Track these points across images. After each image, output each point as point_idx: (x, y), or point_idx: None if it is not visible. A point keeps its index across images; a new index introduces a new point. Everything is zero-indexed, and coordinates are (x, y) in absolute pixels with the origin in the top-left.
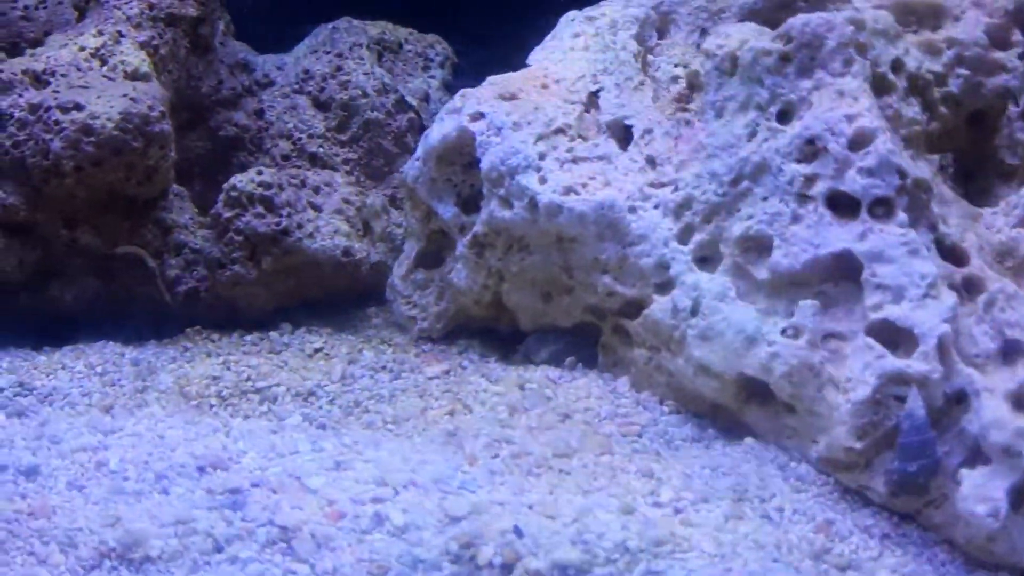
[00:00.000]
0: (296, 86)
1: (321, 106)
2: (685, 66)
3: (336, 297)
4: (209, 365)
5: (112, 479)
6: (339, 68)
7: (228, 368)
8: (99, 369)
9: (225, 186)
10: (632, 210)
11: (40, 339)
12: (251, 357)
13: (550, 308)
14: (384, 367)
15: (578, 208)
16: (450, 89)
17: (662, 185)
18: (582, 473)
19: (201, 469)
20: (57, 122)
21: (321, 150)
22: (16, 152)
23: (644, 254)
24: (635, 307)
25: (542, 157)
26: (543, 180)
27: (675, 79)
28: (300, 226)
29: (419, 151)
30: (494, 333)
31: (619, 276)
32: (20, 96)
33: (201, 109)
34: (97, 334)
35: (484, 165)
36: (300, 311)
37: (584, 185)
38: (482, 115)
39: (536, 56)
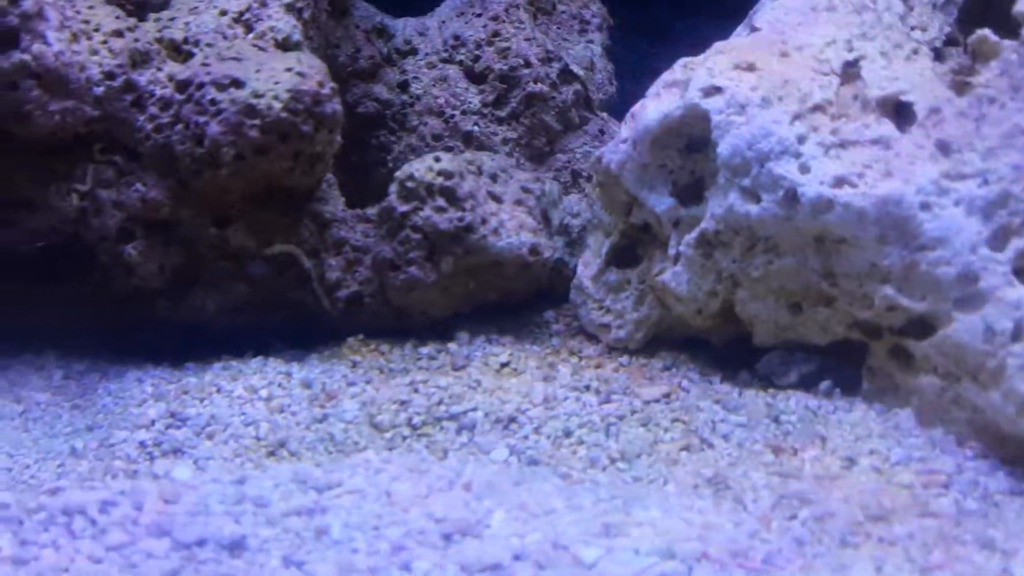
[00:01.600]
0: (445, 54)
1: (476, 78)
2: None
3: (510, 299)
4: (394, 387)
5: (338, 551)
6: (496, 33)
7: (416, 390)
8: (263, 393)
9: (399, 175)
10: (925, 207)
11: (178, 355)
12: (438, 376)
13: (799, 321)
14: (588, 387)
15: (856, 204)
16: (612, 56)
17: (963, 177)
18: (909, 544)
19: (447, 536)
20: (213, 102)
21: (477, 128)
22: (159, 137)
23: (942, 261)
24: (925, 325)
25: (801, 141)
26: (805, 169)
27: (947, 44)
28: (484, 221)
29: (627, 132)
30: (702, 346)
31: (904, 287)
32: (159, 70)
33: (338, 82)
34: (239, 348)
35: (724, 150)
36: (471, 317)
37: (860, 175)
38: (719, 89)
39: (764, 17)
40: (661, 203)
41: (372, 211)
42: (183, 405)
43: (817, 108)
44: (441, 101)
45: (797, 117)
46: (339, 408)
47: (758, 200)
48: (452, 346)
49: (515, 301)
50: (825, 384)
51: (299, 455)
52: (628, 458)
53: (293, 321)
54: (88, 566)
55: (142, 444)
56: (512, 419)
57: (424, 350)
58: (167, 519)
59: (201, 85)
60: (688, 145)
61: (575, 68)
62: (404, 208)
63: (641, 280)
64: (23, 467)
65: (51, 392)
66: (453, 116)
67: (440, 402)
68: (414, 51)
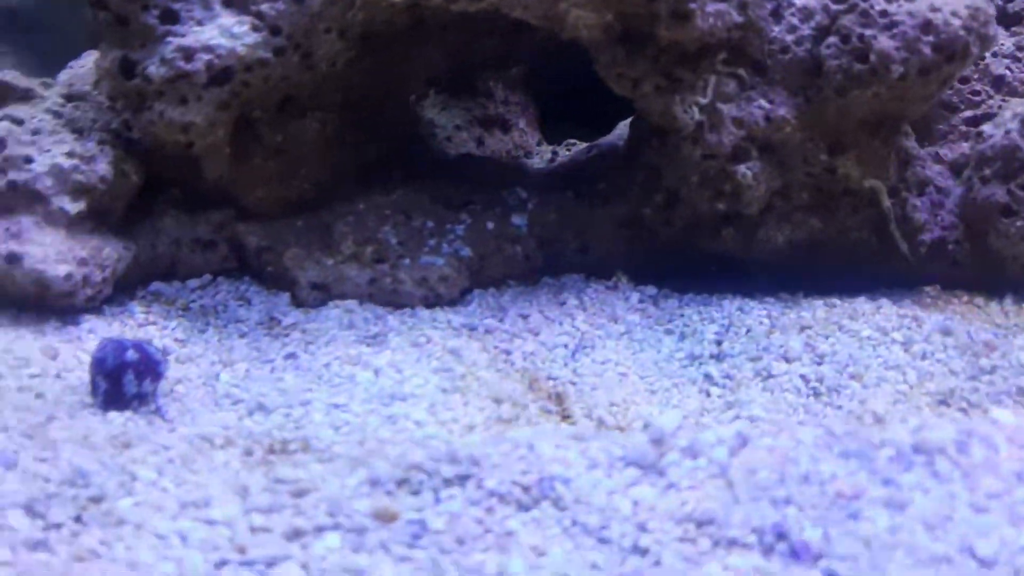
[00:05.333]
0: None
1: (1009, 19)
2: None
3: None
4: None
5: None
6: None
7: None
8: (896, 336)
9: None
10: None
11: (735, 287)
12: None
13: None
14: None
15: None
16: None
17: None
18: None
19: None
20: (885, 13)
21: (1008, 73)
22: (799, 50)
23: None
24: None
25: None
26: None
27: None
28: None
29: None
30: None
31: None
32: None
33: None
34: (796, 285)
35: None
36: None
37: None
38: None
39: None
40: None
41: (944, 150)
42: (811, 340)
43: None
44: None
45: None
46: (1009, 360)
47: None
48: None
49: None
50: None
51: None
52: None
53: (846, 264)
54: (969, 515)
55: (804, 379)
56: None
57: None
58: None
59: None
60: None
61: None
62: None
63: None
64: (664, 390)
65: (638, 314)
66: (983, 58)
67: None
68: None
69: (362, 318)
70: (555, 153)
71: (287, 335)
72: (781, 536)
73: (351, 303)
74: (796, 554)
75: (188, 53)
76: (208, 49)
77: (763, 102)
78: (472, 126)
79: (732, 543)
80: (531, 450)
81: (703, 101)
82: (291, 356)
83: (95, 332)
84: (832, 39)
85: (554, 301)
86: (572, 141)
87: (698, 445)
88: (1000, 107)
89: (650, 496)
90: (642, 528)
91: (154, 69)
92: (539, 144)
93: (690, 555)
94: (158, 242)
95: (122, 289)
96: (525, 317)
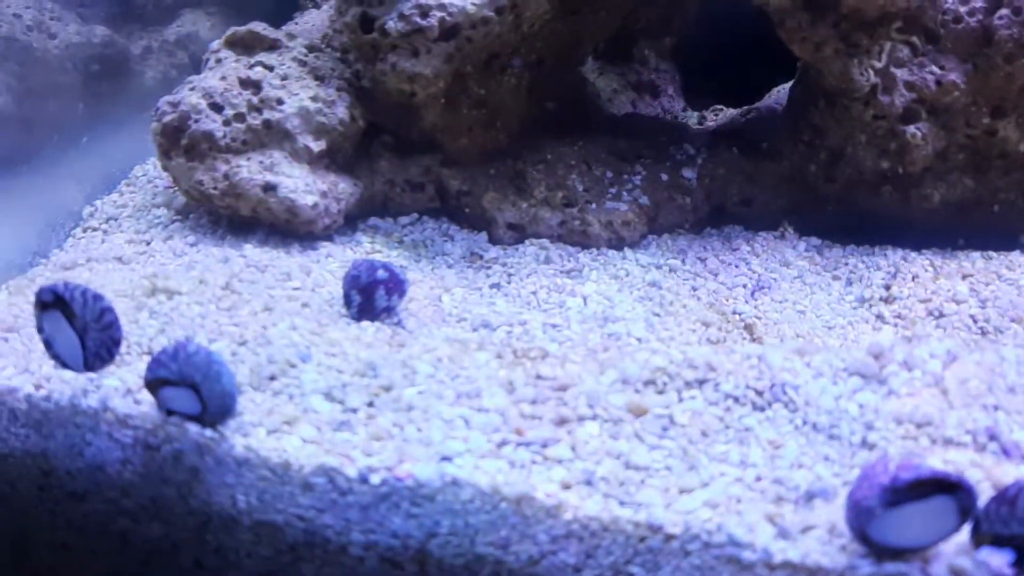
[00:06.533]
0: None
1: None
2: None
3: None
4: None
5: None
6: None
7: None
8: None
9: None
10: None
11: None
12: None
13: None
14: None
15: None
16: None
17: None
18: None
19: None
20: None
21: None
22: (972, 20)
23: None
24: None
25: None
26: None
27: None
28: None
29: None
30: None
31: None
32: None
33: None
34: (946, 242)
35: None
36: None
37: None
38: None
39: None
40: None
41: None
42: (975, 286)
43: None
44: None
45: None
46: None
47: None
48: None
49: None
50: None
51: None
52: None
53: (993, 224)
54: None
55: (972, 318)
56: None
57: None
58: None
59: None
60: None
61: None
62: None
63: None
64: (840, 327)
65: (807, 261)
66: None
67: None
68: None
69: (556, 255)
70: (703, 117)
71: (489, 267)
72: (992, 437)
73: (544, 241)
74: (1007, 452)
75: (424, 10)
76: (442, 7)
77: (934, 68)
78: (627, 90)
79: (948, 442)
80: (761, 360)
81: (878, 65)
82: (495, 286)
83: (332, 256)
84: (1004, 11)
85: (727, 247)
86: (718, 107)
87: (913, 359)
88: None
89: (873, 401)
90: (868, 427)
91: (392, 24)
92: (684, 110)
93: (913, 450)
94: (375, 181)
95: (347, 222)
96: (703, 260)
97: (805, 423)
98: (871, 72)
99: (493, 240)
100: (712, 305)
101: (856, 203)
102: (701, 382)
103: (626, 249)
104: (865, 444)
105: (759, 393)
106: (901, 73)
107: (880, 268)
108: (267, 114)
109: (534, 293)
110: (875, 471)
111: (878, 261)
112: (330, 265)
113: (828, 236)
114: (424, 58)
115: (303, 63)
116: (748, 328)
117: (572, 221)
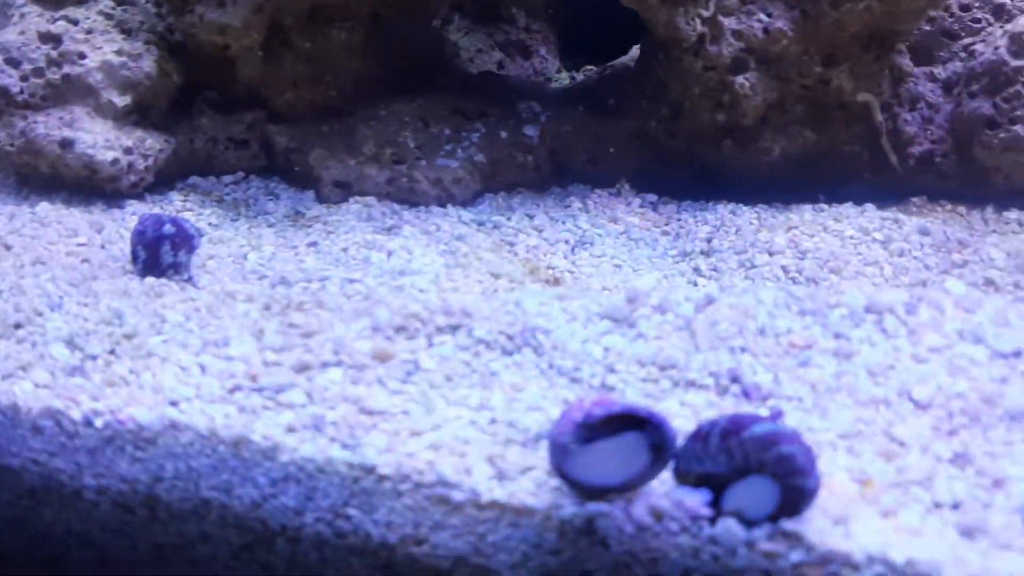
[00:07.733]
0: None
1: None
2: None
3: None
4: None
5: None
6: None
7: None
8: (877, 236)
9: (1010, 28)
10: None
11: (733, 195)
12: None
13: None
14: None
15: None
16: None
17: None
18: None
19: None
20: None
21: None
22: None
23: None
24: None
25: None
26: None
27: None
28: None
29: None
30: None
31: None
32: None
33: None
34: (789, 196)
35: None
36: None
37: None
38: None
39: None
40: None
41: (938, 69)
42: (796, 239)
43: None
44: None
45: None
46: (980, 255)
47: None
48: None
49: None
50: None
51: None
52: None
53: (837, 176)
54: (911, 365)
55: (784, 269)
56: None
57: (1011, 215)
58: (972, 327)
59: None
60: None
61: None
62: (1017, 63)
63: None
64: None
65: (638, 217)
66: None
67: None
68: None
69: (379, 212)
70: (573, 78)
71: (310, 226)
72: (735, 379)
73: (370, 199)
74: (747, 394)
75: None
76: None
77: (762, 15)
78: (493, 50)
79: (690, 384)
80: (518, 306)
81: (705, 14)
82: (313, 244)
83: (137, 214)
84: None
85: (560, 204)
86: (589, 68)
87: (668, 303)
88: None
89: (619, 344)
90: (610, 370)
91: None
92: (558, 71)
93: (651, 392)
94: (196, 139)
95: (163, 181)
96: (531, 216)
97: (551, 367)
98: (698, 21)
99: (320, 199)
100: (527, 260)
101: (699, 158)
102: (455, 328)
103: (454, 207)
104: (604, 387)
105: (510, 338)
106: (729, 22)
107: (707, 222)
108: (67, 68)
109: (344, 250)
110: (572, 409)
111: (707, 216)
112: (131, 224)
113: (671, 193)
114: (231, 8)
115: (110, 16)
116: (555, 281)
117: (400, 179)
